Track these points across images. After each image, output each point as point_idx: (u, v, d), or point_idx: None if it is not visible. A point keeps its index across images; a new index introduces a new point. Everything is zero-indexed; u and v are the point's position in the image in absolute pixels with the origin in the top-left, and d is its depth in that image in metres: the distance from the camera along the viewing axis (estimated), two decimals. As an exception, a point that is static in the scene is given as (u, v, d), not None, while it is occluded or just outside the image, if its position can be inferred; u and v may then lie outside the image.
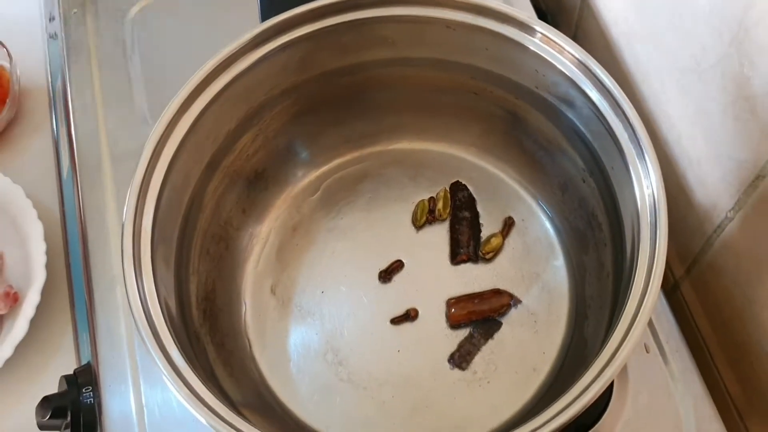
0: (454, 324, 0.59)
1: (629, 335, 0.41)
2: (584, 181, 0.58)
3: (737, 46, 0.51)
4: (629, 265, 0.47)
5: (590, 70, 0.51)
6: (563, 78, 0.52)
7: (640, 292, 0.43)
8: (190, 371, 0.44)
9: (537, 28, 0.52)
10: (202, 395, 0.43)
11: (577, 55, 0.51)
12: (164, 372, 0.43)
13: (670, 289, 0.71)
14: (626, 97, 0.49)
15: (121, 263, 0.47)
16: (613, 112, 0.50)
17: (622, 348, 0.41)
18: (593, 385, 0.41)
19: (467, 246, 0.62)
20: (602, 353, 0.42)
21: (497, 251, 0.62)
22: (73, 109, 0.75)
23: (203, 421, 0.42)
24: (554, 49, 0.52)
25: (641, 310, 0.42)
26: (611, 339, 0.42)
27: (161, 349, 0.44)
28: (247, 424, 0.42)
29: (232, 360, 0.57)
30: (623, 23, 0.68)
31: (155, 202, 0.50)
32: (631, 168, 0.48)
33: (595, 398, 0.40)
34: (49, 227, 0.73)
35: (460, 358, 0.58)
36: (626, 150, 0.49)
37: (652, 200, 0.47)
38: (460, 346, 0.59)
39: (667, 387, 0.59)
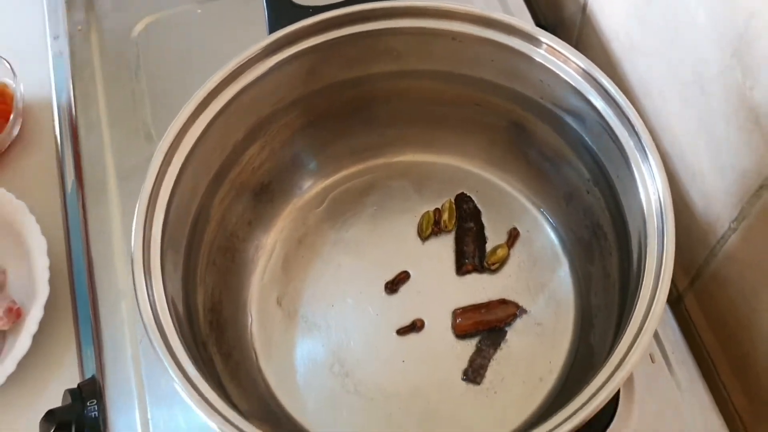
0: (460, 334, 0.59)
1: (637, 342, 0.42)
2: (588, 192, 0.58)
3: (739, 57, 0.52)
4: (636, 273, 0.48)
5: (595, 79, 0.51)
6: (568, 87, 0.53)
7: (648, 299, 0.44)
8: (201, 378, 0.44)
9: (542, 39, 0.53)
10: (213, 402, 0.43)
11: (581, 65, 0.52)
12: (174, 377, 0.44)
13: (673, 301, 0.71)
14: (631, 105, 0.50)
15: (131, 272, 0.48)
16: (618, 120, 0.51)
17: (629, 355, 0.41)
18: (600, 392, 0.41)
19: (473, 257, 0.62)
20: (610, 360, 0.42)
21: (503, 262, 0.62)
22: (79, 126, 0.76)
23: (215, 426, 0.42)
24: (559, 59, 0.52)
25: (650, 316, 0.42)
26: (619, 346, 0.42)
27: (171, 355, 0.44)
28: (258, 431, 0.42)
29: (239, 371, 0.57)
30: (624, 37, 0.69)
31: (164, 213, 0.51)
32: (636, 175, 0.49)
33: (601, 406, 0.40)
34: (52, 243, 0.73)
35: (474, 373, 0.58)
36: (631, 157, 0.49)
37: (658, 205, 0.48)
38: (471, 360, 0.59)
39: (673, 397, 0.59)
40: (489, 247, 0.63)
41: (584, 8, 0.75)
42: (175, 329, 0.46)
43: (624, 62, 0.69)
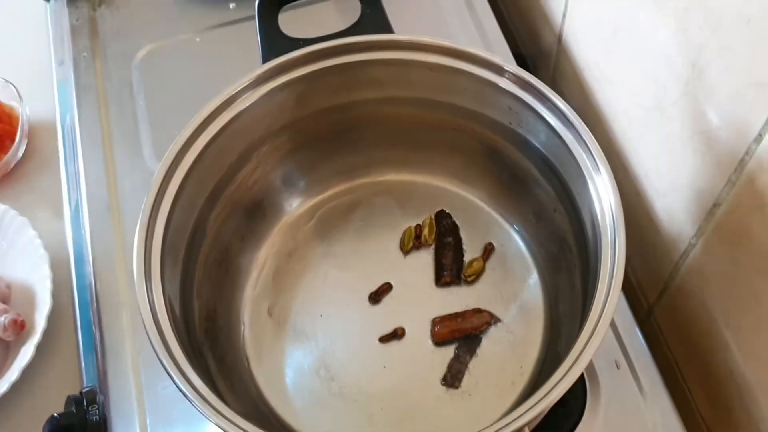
0: (438, 341, 0.63)
1: (593, 336, 0.46)
2: (555, 210, 0.62)
3: (693, 84, 0.56)
4: (593, 282, 0.51)
5: (551, 101, 0.55)
6: (530, 111, 0.57)
7: (603, 296, 0.47)
8: (195, 375, 0.48)
9: (506, 68, 0.57)
10: (211, 401, 0.47)
11: (540, 89, 0.56)
12: (171, 372, 0.47)
13: (644, 315, 0.75)
14: (579, 117, 0.54)
15: (133, 277, 0.51)
16: (571, 134, 0.54)
17: (584, 353, 0.45)
18: (560, 383, 0.45)
19: (451, 269, 0.65)
20: (569, 355, 0.46)
21: (478, 274, 0.66)
22: (83, 147, 0.80)
23: (214, 422, 0.45)
24: (521, 86, 0.56)
25: (605, 310, 0.46)
26: (577, 341, 0.46)
27: (168, 353, 0.48)
28: (254, 427, 0.45)
29: (231, 374, 0.60)
30: (594, 67, 0.73)
31: (164, 225, 0.54)
32: (591, 188, 0.53)
33: (561, 395, 0.44)
34: (55, 258, 0.75)
35: (452, 378, 0.62)
36: (585, 171, 0.53)
37: (611, 217, 0.51)
38: (450, 366, 0.62)
39: (636, 401, 0.63)
40: (466, 260, 0.67)
41: (560, 39, 0.79)
42: (173, 330, 0.49)
43: (595, 90, 0.73)
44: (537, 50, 0.87)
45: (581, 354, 0.45)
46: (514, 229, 0.68)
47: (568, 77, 0.79)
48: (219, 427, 0.46)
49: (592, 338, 0.45)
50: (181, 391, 0.47)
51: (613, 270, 0.47)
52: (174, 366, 0.47)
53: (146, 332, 0.49)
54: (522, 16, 0.89)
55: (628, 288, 0.74)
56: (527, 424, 0.44)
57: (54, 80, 0.87)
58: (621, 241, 0.49)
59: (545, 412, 0.53)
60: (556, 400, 0.44)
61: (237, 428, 0.46)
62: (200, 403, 0.46)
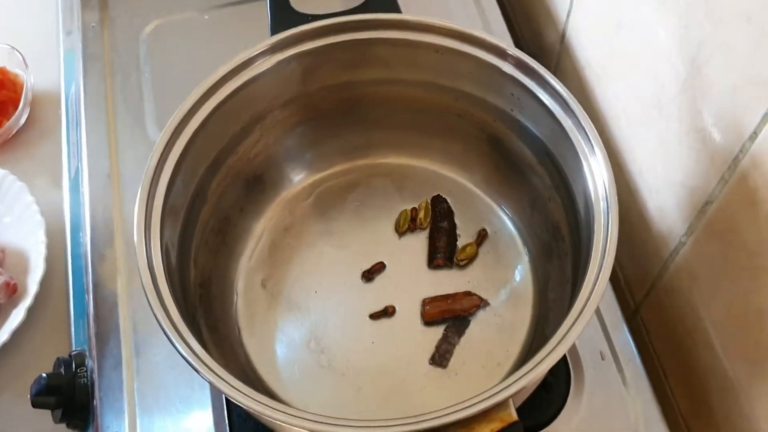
0: (428, 321, 0.64)
1: (580, 317, 0.47)
2: (550, 200, 0.63)
3: (691, 82, 0.57)
4: (584, 269, 0.52)
5: (549, 84, 0.56)
6: (531, 96, 0.58)
7: (593, 279, 0.48)
8: (191, 335, 0.48)
9: (509, 51, 0.58)
10: (205, 360, 0.47)
11: (539, 71, 0.57)
12: (165, 328, 0.47)
13: (631, 312, 0.76)
14: (577, 101, 0.55)
15: (134, 239, 0.51)
16: (570, 120, 0.55)
17: (573, 327, 0.46)
18: (544, 361, 0.46)
19: (444, 252, 0.66)
20: (555, 335, 0.47)
21: (471, 259, 0.67)
22: (86, 116, 0.80)
23: (207, 377, 0.46)
24: (522, 70, 0.58)
25: (593, 292, 0.47)
26: (564, 322, 0.47)
27: (166, 312, 0.48)
28: (245, 386, 0.46)
29: (222, 342, 0.61)
30: (596, 64, 0.74)
31: (165, 190, 0.55)
32: (585, 168, 0.54)
33: (544, 372, 0.45)
34: (51, 224, 0.76)
35: (440, 357, 0.62)
36: (581, 154, 0.54)
37: (605, 201, 0.52)
38: (438, 346, 0.63)
39: (619, 391, 0.64)
40: (459, 244, 0.68)
41: (563, 38, 0.80)
42: (170, 290, 0.50)
43: (596, 88, 0.74)
44: (540, 48, 0.88)
45: (567, 334, 0.46)
46: (509, 216, 0.69)
47: (570, 76, 0.80)
48: (211, 384, 0.46)
49: (579, 319, 0.46)
50: (174, 346, 0.48)
51: (604, 253, 0.48)
52: (170, 324, 0.48)
53: (143, 290, 0.50)
54: (527, 14, 0.90)
55: (616, 285, 0.75)
56: (511, 396, 0.45)
57: (61, 50, 0.88)
58: (613, 225, 0.50)
59: (530, 390, 0.54)
60: (540, 377, 0.45)
61: (228, 386, 0.46)
62: (195, 361, 0.47)
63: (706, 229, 0.60)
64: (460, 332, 0.63)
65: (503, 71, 0.58)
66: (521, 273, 0.66)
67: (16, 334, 0.71)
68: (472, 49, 0.59)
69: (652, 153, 0.66)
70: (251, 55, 0.59)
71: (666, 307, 0.69)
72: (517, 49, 0.57)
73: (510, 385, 0.45)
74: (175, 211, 0.57)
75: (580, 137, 0.54)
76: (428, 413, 0.45)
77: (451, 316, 0.64)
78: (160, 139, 0.55)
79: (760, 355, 0.56)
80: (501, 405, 0.45)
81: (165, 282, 0.51)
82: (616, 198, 0.51)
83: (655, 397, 0.64)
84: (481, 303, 0.64)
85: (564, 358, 0.64)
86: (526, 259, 0.67)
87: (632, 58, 0.66)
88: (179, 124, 0.56)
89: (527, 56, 0.57)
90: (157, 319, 0.49)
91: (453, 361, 0.62)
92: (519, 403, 0.54)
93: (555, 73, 0.84)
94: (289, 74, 0.61)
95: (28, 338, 0.73)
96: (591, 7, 0.72)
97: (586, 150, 0.54)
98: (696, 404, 0.68)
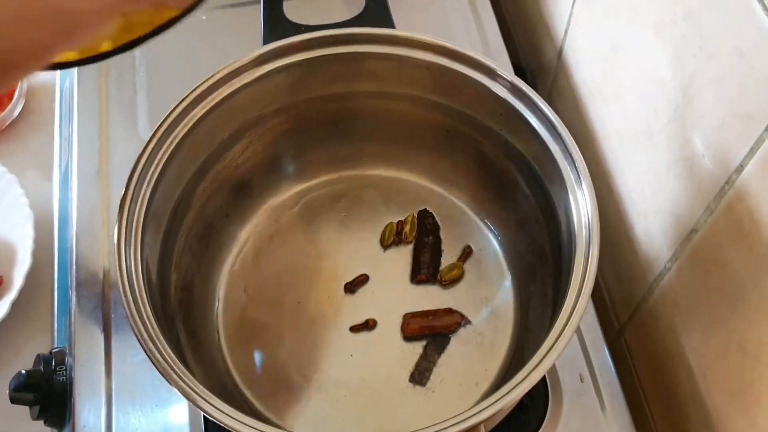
0: (408, 336, 0.64)
1: (557, 342, 0.47)
2: (536, 221, 0.63)
3: (682, 111, 0.57)
4: (564, 292, 0.52)
5: (539, 108, 0.56)
6: (519, 118, 0.58)
7: (572, 303, 0.48)
8: (165, 343, 0.48)
9: (499, 72, 0.58)
10: (178, 369, 0.47)
11: (529, 95, 0.57)
12: (138, 334, 0.47)
13: (615, 334, 0.76)
14: (566, 129, 0.55)
15: (115, 242, 0.51)
16: (558, 146, 0.55)
17: (551, 352, 0.46)
18: (520, 384, 0.46)
19: (428, 268, 0.66)
20: (533, 358, 0.47)
21: (455, 280, 0.67)
22: (79, 111, 0.80)
23: (178, 391, 0.46)
24: (512, 92, 0.58)
25: (572, 317, 0.47)
26: (542, 346, 0.47)
27: (140, 317, 0.48)
28: (220, 401, 0.46)
29: (201, 348, 0.61)
30: (591, 84, 0.74)
31: (150, 191, 0.55)
32: (571, 198, 0.54)
33: (520, 396, 0.45)
34: (40, 218, 0.76)
35: (420, 375, 0.62)
36: (568, 182, 0.54)
37: (587, 229, 0.52)
38: (417, 364, 0.63)
39: (596, 415, 0.64)
40: (444, 261, 0.68)
41: (560, 54, 0.80)
42: (147, 296, 0.50)
43: (590, 107, 0.74)
44: (537, 64, 0.88)
45: (544, 358, 0.46)
46: (494, 234, 0.69)
47: (565, 94, 0.80)
48: (183, 395, 0.46)
49: (556, 344, 0.46)
50: (148, 354, 0.48)
51: (584, 280, 0.48)
52: (143, 329, 0.48)
53: (120, 294, 0.50)
54: (525, 29, 0.90)
55: (601, 307, 0.75)
56: (483, 422, 0.45)
57: (57, 42, 0.87)
58: (594, 252, 0.50)
59: (505, 414, 0.54)
60: (514, 401, 0.45)
61: (200, 398, 0.46)
62: (166, 369, 0.47)
63: (691, 257, 0.60)
64: (440, 350, 0.63)
65: (493, 91, 0.58)
66: (504, 292, 0.66)
67: None
68: (463, 67, 0.59)
69: (642, 177, 0.66)
70: (242, 64, 0.59)
71: (650, 332, 0.69)
72: (507, 71, 0.57)
73: (483, 409, 0.45)
74: (159, 215, 0.57)
75: (567, 163, 0.54)
76: (399, 433, 0.45)
77: (431, 333, 0.64)
78: (146, 144, 0.55)
79: (739, 387, 0.56)
80: (472, 430, 0.45)
81: (143, 285, 0.51)
82: (598, 229, 0.51)
83: (633, 422, 0.64)
84: (463, 320, 0.64)
85: (543, 380, 0.63)
86: (509, 278, 0.67)
87: (626, 82, 0.66)
88: (167, 129, 0.56)
89: (517, 78, 0.57)
90: (132, 329, 0.49)
91: (431, 378, 0.62)
92: (494, 424, 0.54)
93: (551, 89, 0.85)
94: (278, 84, 0.61)
95: (10, 332, 0.73)
96: (588, 28, 0.72)
97: (572, 177, 0.54)
98: (676, 431, 0.68)
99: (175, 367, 0.47)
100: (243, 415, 0.45)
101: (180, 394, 0.47)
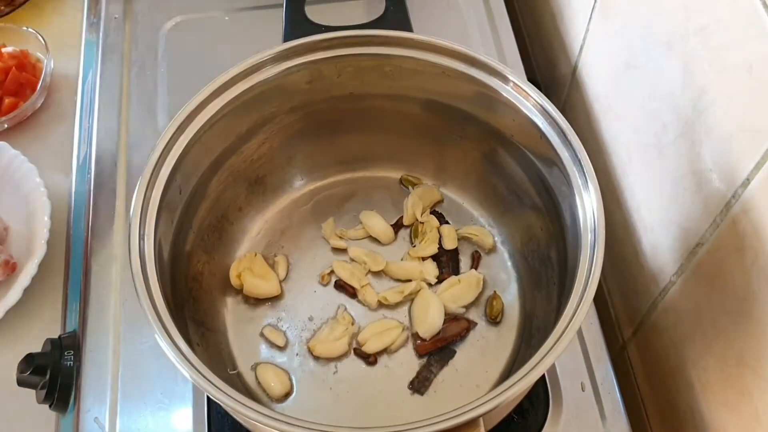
0: (422, 353, 0.64)
1: (555, 346, 0.47)
2: (542, 228, 0.63)
3: (691, 126, 0.57)
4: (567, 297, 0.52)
5: (549, 114, 0.57)
6: (531, 125, 0.58)
7: (574, 306, 0.49)
8: (176, 329, 0.49)
9: (512, 78, 0.58)
10: (188, 355, 0.48)
11: (540, 102, 0.57)
12: (152, 320, 0.48)
13: (619, 348, 0.76)
14: (576, 135, 0.55)
15: (129, 227, 0.52)
16: (567, 152, 0.56)
17: (551, 351, 0.47)
18: (516, 384, 0.46)
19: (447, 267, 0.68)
20: (533, 358, 0.47)
21: (502, 312, 0.66)
22: (100, 104, 0.82)
23: (187, 375, 0.47)
24: (523, 96, 0.58)
25: (573, 319, 0.48)
26: (542, 346, 0.47)
27: (152, 302, 0.49)
28: (229, 387, 0.47)
29: (208, 337, 0.61)
30: (603, 100, 0.74)
31: (166, 179, 0.56)
32: (578, 203, 0.54)
33: (518, 393, 0.46)
34: (56, 208, 0.77)
35: (419, 384, 0.63)
36: (576, 188, 0.54)
37: (593, 235, 0.52)
38: (419, 373, 0.63)
39: (596, 424, 0.64)
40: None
41: (574, 70, 0.81)
42: (158, 282, 0.51)
43: (601, 122, 0.75)
44: (551, 79, 0.89)
45: (545, 357, 0.47)
46: (502, 240, 0.70)
47: (577, 108, 0.80)
48: (193, 381, 0.47)
49: (558, 343, 0.47)
50: (157, 335, 0.48)
51: (588, 282, 0.49)
52: (154, 313, 0.49)
53: (133, 278, 0.51)
54: (542, 44, 0.91)
55: (607, 320, 0.75)
56: (482, 415, 0.45)
57: (82, 38, 0.89)
58: (599, 254, 0.50)
59: (504, 411, 0.55)
60: (514, 398, 0.46)
61: (209, 383, 0.47)
62: (175, 355, 0.48)
63: (695, 270, 0.60)
64: (443, 363, 0.64)
65: (505, 97, 0.59)
66: (509, 297, 0.67)
67: (11, 313, 0.71)
68: (477, 72, 0.60)
69: (650, 191, 0.66)
70: (262, 59, 0.60)
71: (652, 346, 0.70)
72: (519, 77, 0.58)
73: (482, 403, 0.46)
74: (173, 206, 0.58)
75: (575, 169, 0.55)
76: (399, 425, 0.46)
77: (444, 344, 0.64)
78: (165, 132, 0.56)
79: (737, 400, 0.56)
80: (471, 423, 0.46)
81: (155, 271, 0.52)
82: (604, 231, 0.51)
83: (631, 430, 0.64)
84: (470, 325, 0.65)
85: (544, 386, 0.64)
86: (515, 283, 0.67)
87: (637, 98, 0.66)
88: (185, 119, 0.57)
89: (529, 84, 0.58)
90: (142, 307, 0.50)
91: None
92: (493, 424, 0.55)
93: (564, 103, 0.86)
94: (296, 82, 0.62)
95: (21, 317, 0.74)
96: (603, 45, 0.73)
97: (579, 182, 0.54)
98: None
99: (182, 351, 0.48)
100: (248, 399, 0.46)
101: (188, 377, 0.47)
